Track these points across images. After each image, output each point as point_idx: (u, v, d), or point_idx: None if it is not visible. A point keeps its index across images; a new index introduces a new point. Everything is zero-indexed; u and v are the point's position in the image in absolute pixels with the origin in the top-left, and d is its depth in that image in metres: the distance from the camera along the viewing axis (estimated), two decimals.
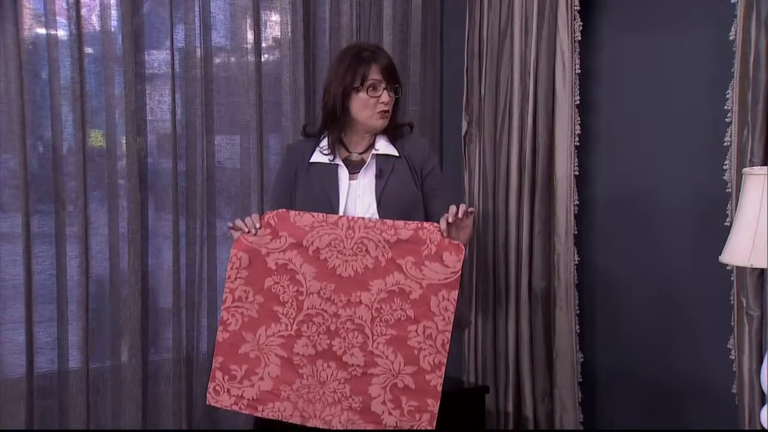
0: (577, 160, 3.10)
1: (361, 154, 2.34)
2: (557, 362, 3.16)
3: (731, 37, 2.59)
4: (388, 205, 2.28)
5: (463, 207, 2.16)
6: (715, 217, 2.68)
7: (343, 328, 2.15)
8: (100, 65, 2.89)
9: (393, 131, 2.35)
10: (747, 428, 2.54)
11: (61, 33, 2.81)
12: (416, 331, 2.14)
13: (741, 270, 2.56)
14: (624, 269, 3.10)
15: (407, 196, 2.31)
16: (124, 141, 2.92)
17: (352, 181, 2.30)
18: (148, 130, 2.99)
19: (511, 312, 3.23)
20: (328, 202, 2.28)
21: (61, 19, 2.80)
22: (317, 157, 2.34)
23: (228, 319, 2.22)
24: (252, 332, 2.21)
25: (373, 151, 2.31)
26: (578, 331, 3.14)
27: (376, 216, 2.27)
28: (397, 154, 2.32)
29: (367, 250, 2.16)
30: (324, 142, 2.36)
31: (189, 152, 3.03)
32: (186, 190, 3.03)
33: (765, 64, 2.48)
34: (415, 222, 2.19)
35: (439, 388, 2.13)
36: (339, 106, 2.30)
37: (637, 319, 3.07)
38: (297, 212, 2.23)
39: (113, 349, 2.95)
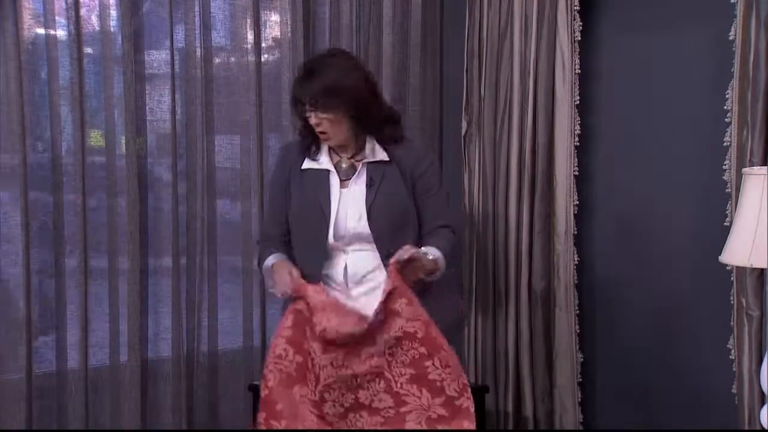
0: (576, 160, 3.10)
1: (350, 158, 2.28)
2: (557, 362, 3.16)
3: (731, 37, 2.59)
4: (378, 216, 2.24)
5: (406, 252, 2.13)
6: (714, 216, 2.68)
7: (365, 380, 2.16)
8: (100, 65, 2.89)
9: (383, 136, 2.28)
10: (747, 428, 2.54)
11: (61, 33, 2.81)
12: (433, 364, 2.16)
13: (741, 270, 2.55)
14: (624, 269, 3.10)
15: (398, 207, 2.26)
16: (124, 141, 2.93)
17: (343, 189, 2.26)
18: (148, 130, 3.00)
19: (510, 312, 3.22)
20: (321, 212, 2.25)
21: (61, 19, 2.80)
22: (308, 163, 2.30)
23: (267, 375, 2.23)
24: (289, 389, 2.22)
25: (364, 159, 2.27)
26: (578, 331, 3.14)
27: (367, 228, 2.24)
28: (387, 158, 2.26)
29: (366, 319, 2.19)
30: (314, 148, 2.32)
31: (189, 152, 3.03)
32: (186, 190, 3.02)
33: (765, 64, 2.48)
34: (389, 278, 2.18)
35: (472, 409, 2.16)
36: (297, 116, 2.29)
37: (636, 319, 3.06)
38: (314, 288, 2.22)
39: (112, 349, 2.95)
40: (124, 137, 2.92)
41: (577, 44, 3.06)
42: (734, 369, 2.62)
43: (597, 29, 3.10)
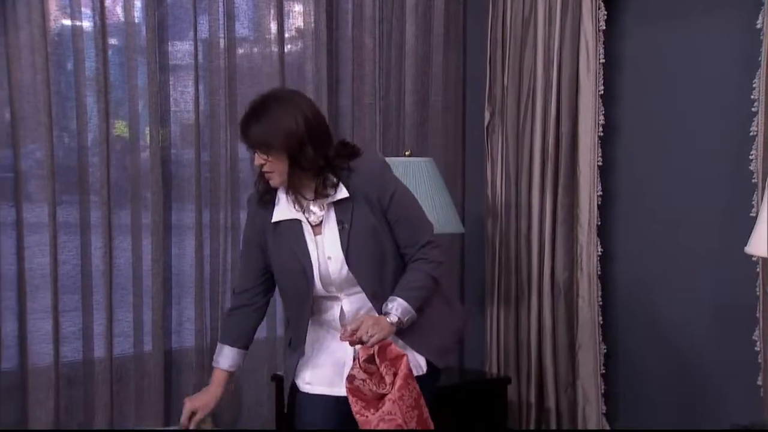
0: (600, 150, 3.10)
1: (314, 201, 2.19)
2: (580, 353, 3.16)
3: (758, 26, 2.60)
4: (357, 262, 2.18)
5: (347, 331, 2.10)
6: (740, 207, 2.69)
7: (378, 429, 2.08)
8: (124, 56, 2.91)
9: (325, 179, 2.17)
10: None
11: (86, 24, 2.82)
12: (422, 401, 2.12)
13: (767, 261, 2.55)
14: (648, 260, 3.10)
15: (374, 244, 2.18)
16: (148, 131, 2.94)
17: (317, 237, 2.20)
18: (172, 120, 3.00)
19: (533, 303, 3.23)
20: (301, 265, 2.19)
21: (86, 11, 2.82)
22: (277, 214, 2.23)
23: None
24: None
25: (328, 200, 2.19)
26: (601, 322, 3.14)
27: (351, 276, 2.18)
28: (347, 195, 2.18)
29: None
30: (270, 194, 2.25)
31: (212, 143, 3.04)
32: (209, 181, 3.04)
33: None
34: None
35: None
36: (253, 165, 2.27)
37: (660, 310, 3.06)
38: None
39: (136, 339, 2.97)
40: (147, 128, 2.93)
41: (601, 33, 3.05)
42: (759, 361, 2.63)
43: (622, 18, 3.09)
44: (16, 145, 2.75)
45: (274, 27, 3.10)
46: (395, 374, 2.06)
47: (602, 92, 3.07)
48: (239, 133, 2.21)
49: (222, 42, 3.02)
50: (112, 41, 2.88)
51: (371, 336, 2.06)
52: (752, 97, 2.65)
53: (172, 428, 2.36)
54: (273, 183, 2.19)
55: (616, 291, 3.18)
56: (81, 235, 2.87)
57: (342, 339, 2.11)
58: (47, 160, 2.76)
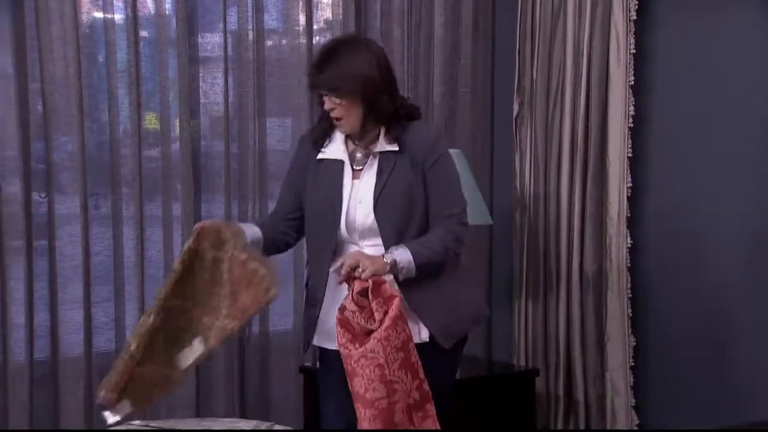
0: (630, 141, 3.08)
1: (365, 148, 2.25)
2: (609, 345, 3.15)
3: None
4: (384, 211, 2.20)
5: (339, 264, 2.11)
6: None
7: (359, 365, 2.07)
8: (155, 48, 2.93)
9: (390, 128, 2.23)
10: None
11: (118, 17, 2.85)
12: (411, 345, 2.10)
13: None
14: (677, 252, 3.09)
15: (404, 198, 2.22)
16: (178, 123, 2.97)
17: (355, 180, 2.24)
18: (201, 112, 3.03)
19: (561, 295, 3.23)
20: (332, 205, 2.23)
21: (118, 3, 2.85)
22: (323, 153, 2.28)
23: None
24: None
25: (377, 149, 2.24)
26: (630, 314, 3.13)
27: (375, 225, 2.20)
28: (397, 149, 2.23)
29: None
30: (328, 135, 2.29)
31: (241, 134, 3.06)
32: (238, 173, 3.06)
33: None
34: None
35: (428, 389, 2.11)
36: (320, 106, 2.26)
37: (689, 302, 3.05)
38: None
39: None
40: (178, 120, 2.96)
41: (632, 23, 3.03)
42: None
43: (653, 8, 3.07)
44: (48, 137, 2.78)
45: (302, 19, 3.11)
46: (385, 313, 2.05)
47: (632, 83, 3.05)
48: (309, 75, 2.22)
49: (251, 34, 3.03)
50: (143, 33, 2.91)
51: (363, 270, 2.06)
52: None
53: (179, 429, 2.35)
54: (341, 128, 2.21)
55: (645, 283, 3.16)
56: (113, 227, 2.91)
57: (334, 271, 2.11)
58: (79, 152, 2.79)
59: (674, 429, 3.01)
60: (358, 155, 2.25)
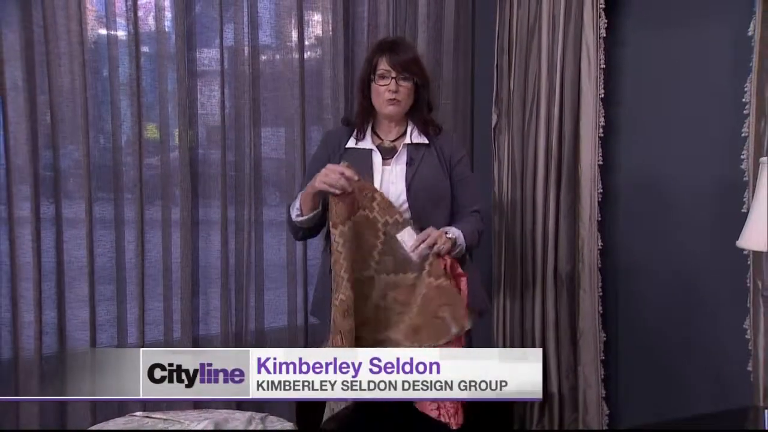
0: (601, 150, 3.12)
1: (392, 141, 2.38)
2: (581, 341, 3.19)
3: (750, 33, 2.61)
4: (417, 192, 2.31)
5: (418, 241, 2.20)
6: (732, 204, 2.70)
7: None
8: (155, 63, 2.99)
9: (422, 124, 2.37)
10: (762, 404, 2.60)
11: (121, 33, 2.91)
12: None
13: (757, 254, 2.60)
14: (645, 253, 3.12)
15: (436, 185, 2.33)
16: (177, 133, 3.03)
17: (385, 167, 2.34)
18: (199, 123, 3.07)
19: (537, 294, 3.27)
20: None
21: (121, 20, 2.90)
22: (352, 142, 2.40)
23: None
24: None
25: (405, 141, 2.36)
26: (601, 312, 3.18)
27: (406, 204, 2.31)
28: (427, 142, 2.35)
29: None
30: (362, 130, 2.42)
31: (237, 144, 3.11)
32: (234, 179, 3.13)
33: None
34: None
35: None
36: (360, 94, 2.39)
37: (657, 300, 3.09)
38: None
39: (166, 326, 3.07)
40: (176, 130, 3.02)
41: (602, 40, 3.07)
42: (750, 348, 2.66)
43: (621, 26, 3.12)
44: (56, 146, 2.85)
45: (294, 35, 3.16)
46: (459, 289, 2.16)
47: (603, 96, 3.09)
48: (384, 52, 2.34)
49: (246, 49, 3.09)
50: (144, 49, 2.97)
51: (441, 246, 2.17)
52: (744, 100, 2.66)
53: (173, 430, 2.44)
54: (396, 109, 2.32)
55: (615, 282, 3.21)
56: (115, 230, 2.98)
57: (413, 249, 2.18)
58: (84, 160, 2.87)
59: (646, 423, 3.03)
60: (386, 146, 2.35)
